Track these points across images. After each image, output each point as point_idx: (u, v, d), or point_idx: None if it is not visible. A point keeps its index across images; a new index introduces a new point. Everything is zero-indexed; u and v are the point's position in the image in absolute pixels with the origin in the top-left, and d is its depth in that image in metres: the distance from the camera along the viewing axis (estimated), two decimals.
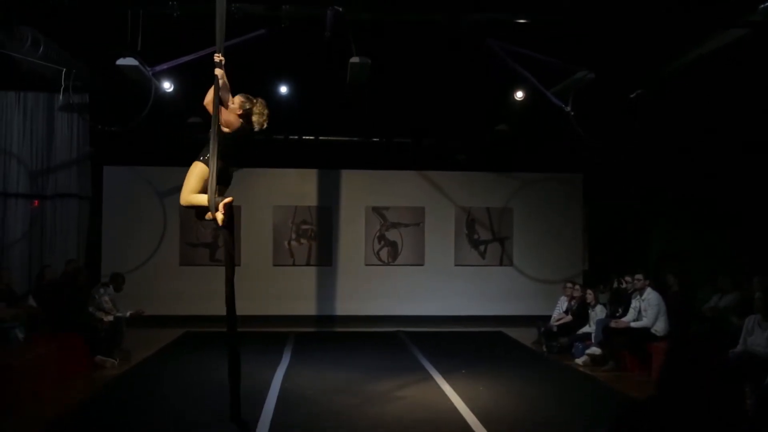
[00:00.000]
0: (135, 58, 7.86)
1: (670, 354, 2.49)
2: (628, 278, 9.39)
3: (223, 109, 5.50)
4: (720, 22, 7.61)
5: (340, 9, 7.34)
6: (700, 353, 2.42)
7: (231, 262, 5.67)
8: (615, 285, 10.13)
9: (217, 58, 5.42)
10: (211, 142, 5.38)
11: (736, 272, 9.62)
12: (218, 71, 5.39)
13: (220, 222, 5.41)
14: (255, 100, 5.69)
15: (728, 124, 10.11)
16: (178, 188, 5.63)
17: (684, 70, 8.67)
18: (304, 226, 13.57)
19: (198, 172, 5.50)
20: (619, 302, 9.57)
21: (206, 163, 5.44)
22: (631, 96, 9.07)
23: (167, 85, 9.73)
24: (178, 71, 8.94)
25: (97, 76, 9.49)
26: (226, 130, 5.50)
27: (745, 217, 10.55)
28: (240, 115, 5.62)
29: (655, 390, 2.44)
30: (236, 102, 5.64)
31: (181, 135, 10.87)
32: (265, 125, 5.75)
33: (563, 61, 8.45)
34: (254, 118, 5.68)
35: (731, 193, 10.67)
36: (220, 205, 5.35)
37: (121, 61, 7.93)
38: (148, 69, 8.04)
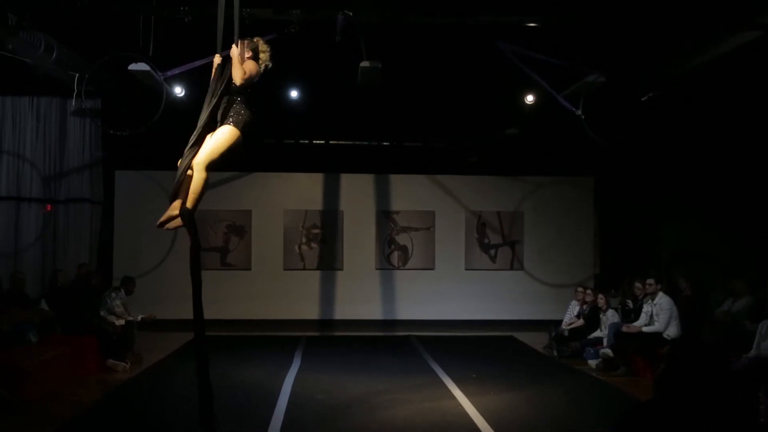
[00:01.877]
0: (147, 62, 7.90)
1: (669, 357, 2.48)
2: (638, 284, 9.33)
3: (236, 64, 5.19)
4: (732, 25, 7.57)
5: (350, 13, 7.36)
6: (699, 357, 2.41)
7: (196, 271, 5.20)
8: (621, 303, 10.11)
9: (218, 59, 5.32)
10: (210, 98, 5.13)
11: (749, 273, 9.55)
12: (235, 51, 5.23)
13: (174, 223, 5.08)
14: (254, 39, 5.43)
15: (740, 125, 10.06)
16: None
17: (695, 72, 8.64)
18: (315, 230, 13.59)
19: (231, 137, 5.12)
20: (627, 315, 9.54)
21: (237, 126, 5.14)
22: (643, 99, 9.03)
23: (179, 90, 9.78)
24: (190, 76, 8.98)
25: (109, 81, 9.55)
26: (248, 79, 5.20)
27: (758, 218, 10.48)
28: (251, 57, 5.34)
29: (653, 391, 2.43)
30: (239, 46, 5.32)
31: None
32: (270, 64, 5.44)
33: (574, 64, 8.43)
34: (261, 56, 5.39)
35: (744, 194, 10.61)
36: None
37: (133, 66, 7.98)
38: (160, 74, 8.08)
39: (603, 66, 8.66)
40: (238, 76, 5.17)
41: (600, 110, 8.78)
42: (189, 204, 5.04)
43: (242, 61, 5.24)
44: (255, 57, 5.38)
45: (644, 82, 9.20)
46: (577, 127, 8.68)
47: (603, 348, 9.29)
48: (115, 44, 7.99)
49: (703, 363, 2.37)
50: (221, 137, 5.13)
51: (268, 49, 5.45)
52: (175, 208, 5.10)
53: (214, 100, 5.16)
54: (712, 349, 2.47)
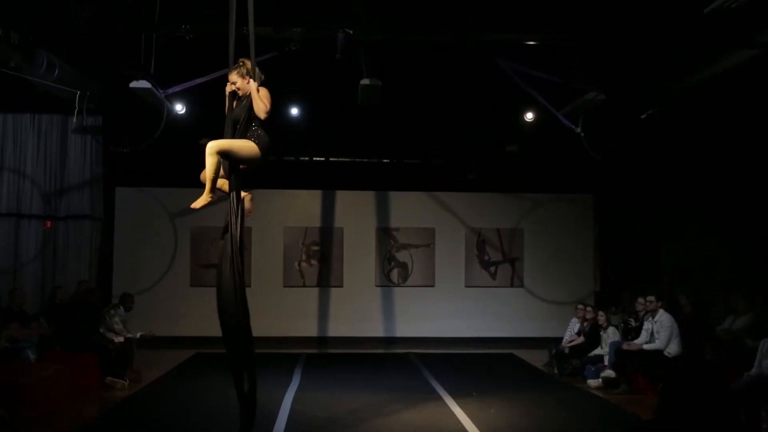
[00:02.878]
0: (148, 80, 7.94)
1: (666, 375, 2.48)
2: (641, 300, 9.32)
3: (255, 98, 5.21)
4: (732, 42, 7.61)
5: (351, 31, 7.41)
6: (697, 375, 2.40)
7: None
8: (623, 320, 10.09)
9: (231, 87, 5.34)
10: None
11: (750, 290, 9.52)
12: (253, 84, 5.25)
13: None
14: (239, 62, 5.36)
15: (740, 141, 10.08)
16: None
17: (695, 89, 8.67)
18: (315, 247, 13.58)
19: (251, 147, 5.20)
20: (628, 332, 9.52)
21: (258, 146, 5.21)
22: (642, 116, 9.06)
23: (179, 107, 9.82)
24: (190, 93, 9.02)
25: (110, 98, 9.59)
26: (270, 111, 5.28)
27: (759, 235, 10.47)
28: (244, 79, 5.33)
29: (655, 411, 2.42)
30: (234, 75, 5.33)
31: (193, 156, 10.96)
32: (263, 75, 5.41)
33: (573, 81, 8.47)
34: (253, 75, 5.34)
35: (745, 210, 10.60)
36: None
37: (134, 84, 8.02)
38: (161, 91, 8.12)
39: (602, 83, 8.69)
40: (261, 110, 5.18)
41: (599, 127, 8.82)
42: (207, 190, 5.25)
43: (258, 90, 5.22)
44: (254, 78, 5.32)
45: (644, 99, 9.24)
46: (577, 145, 8.70)
47: (604, 367, 9.24)
48: (117, 62, 8.03)
49: (701, 381, 2.36)
50: (243, 142, 5.19)
51: (250, 63, 5.34)
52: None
53: (239, 135, 5.21)
54: (710, 368, 2.47)
